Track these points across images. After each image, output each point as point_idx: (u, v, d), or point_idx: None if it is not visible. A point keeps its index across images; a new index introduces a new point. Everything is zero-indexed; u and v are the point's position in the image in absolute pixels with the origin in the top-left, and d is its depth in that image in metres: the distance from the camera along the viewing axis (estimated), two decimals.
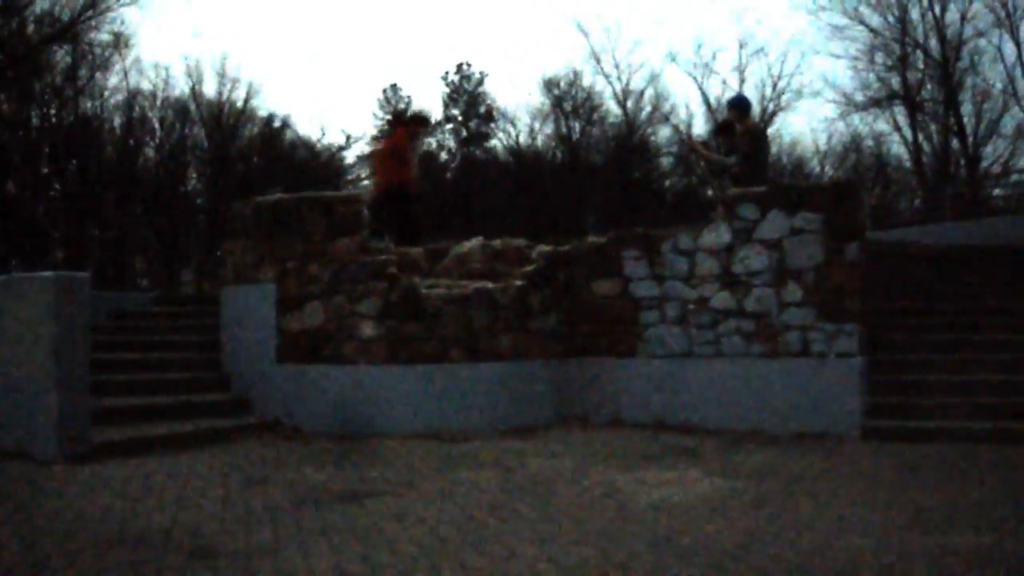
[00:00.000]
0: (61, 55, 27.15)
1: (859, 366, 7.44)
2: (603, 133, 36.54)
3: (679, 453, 6.77)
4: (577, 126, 36.62)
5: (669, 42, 57.07)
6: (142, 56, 56.04)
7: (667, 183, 36.76)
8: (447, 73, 39.16)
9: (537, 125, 37.16)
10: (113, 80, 29.87)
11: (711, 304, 7.97)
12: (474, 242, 9.59)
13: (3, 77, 24.66)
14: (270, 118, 34.57)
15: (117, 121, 30.20)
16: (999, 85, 28.37)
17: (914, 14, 28.58)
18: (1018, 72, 27.25)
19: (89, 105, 28.89)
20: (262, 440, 7.41)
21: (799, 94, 44.23)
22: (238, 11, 52.87)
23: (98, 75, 28.69)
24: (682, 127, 34.69)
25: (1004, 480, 5.62)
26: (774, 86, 34.30)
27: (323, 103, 55.78)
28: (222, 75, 32.73)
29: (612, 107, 36.34)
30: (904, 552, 4.02)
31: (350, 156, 37.62)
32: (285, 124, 35.20)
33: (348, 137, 40.32)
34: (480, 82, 39.11)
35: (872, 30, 29.28)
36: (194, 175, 33.33)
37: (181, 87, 33.75)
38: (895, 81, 29.34)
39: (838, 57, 45.19)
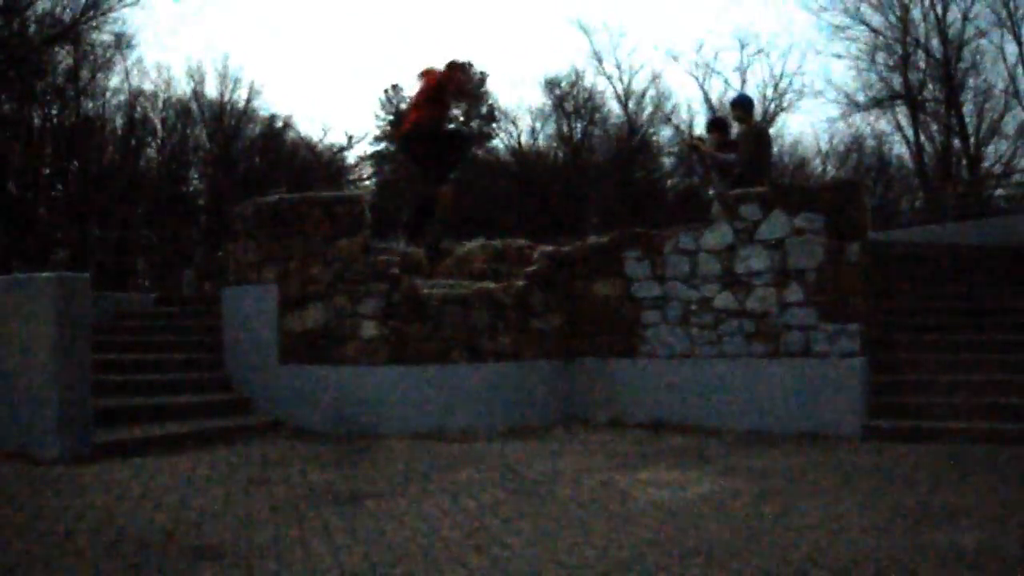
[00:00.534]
0: (63, 56, 27.18)
1: (860, 366, 7.43)
2: (605, 133, 36.54)
3: (680, 453, 6.76)
4: (579, 126, 36.63)
5: (671, 42, 57.04)
6: (144, 57, 56.19)
7: (669, 183, 36.75)
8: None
9: (539, 125, 37.21)
10: (115, 81, 29.95)
11: (713, 304, 7.97)
12: (475, 243, 9.60)
13: (4, 78, 24.68)
14: (272, 118, 34.65)
15: (119, 122, 30.22)
16: (1001, 85, 28.41)
17: (916, 14, 28.61)
18: (1020, 71, 27.29)
19: (91, 106, 28.91)
20: (263, 440, 7.41)
21: (801, 94, 44.39)
22: (240, 11, 52.93)
23: (100, 76, 28.73)
24: (683, 127, 34.71)
25: (1005, 480, 5.61)
26: (776, 86, 34.34)
27: (325, 103, 55.89)
28: (224, 75, 32.82)
29: (614, 107, 36.38)
30: (905, 552, 4.01)
31: (352, 156, 37.76)
32: (287, 124, 35.28)
33: (350, 137, 40.53)
34: (482, 82, 39.12)
35: (874, 30, 29.30)
36: (196, 176, 33.38)
37: (183, 88, 33.75)
38: (897, 81, 29.34)
39: (840, 57, 45.20)
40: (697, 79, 41.17)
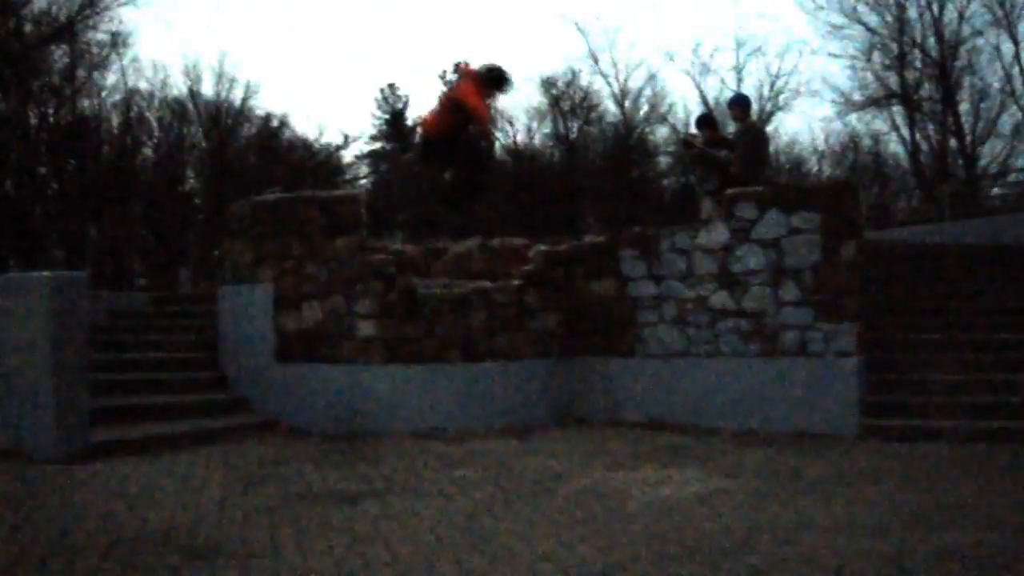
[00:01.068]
0: (59, 55, 27.13)
1: (856, 365, 7.44)
2: (601, 132, 36.51)
3: (677, 452, 6.77)
4: (575, 125, 36.60)
5: (667, 41, 57.03)
6: (140, 55, 56.05)
7: (665, 182, 36.74)
8: (444, 72, 39.09)
9: (535, 124, 37.17)
10: (111, 79, 29.83)
11: (709, 303, 7.97)
12: (472, 242, 9.60)
13: (0, 77, 24.63)
14: (268, 118, 34.58)
15: (115, 120, 30.16)
16: (997, 84, 28.45)
17: (912, 13, 28.61)
18: (1016, 71, 27.31)
19: (87, 104, 28.87)
20: (260, 440, 7.40)
21: (797, 93, 44.28)
22: (236, 10, 52.87)
23: (96, 74, 28.68)
24: (680, 126, 34.68)
25: (1002, 479, 5.62)
26: (772, 85, 34.32)
27: (321, 103, 55.82)
28: (220, 74, 32.75)
29: (610, 106, 36.34)
30: (902, 551, 4.02)
31: (348, 156, 37.73)
32: (283, 124, 35.23)
33: (346, 137, 40.49)
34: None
35: (870, 29, 29.30)
36: (192, 174, 33.30)
37: (179, 86, 33.61)
38: (893, 80, 29.36)
39: (836, 56, 45.11)
40: (693, 78, 41.13)
